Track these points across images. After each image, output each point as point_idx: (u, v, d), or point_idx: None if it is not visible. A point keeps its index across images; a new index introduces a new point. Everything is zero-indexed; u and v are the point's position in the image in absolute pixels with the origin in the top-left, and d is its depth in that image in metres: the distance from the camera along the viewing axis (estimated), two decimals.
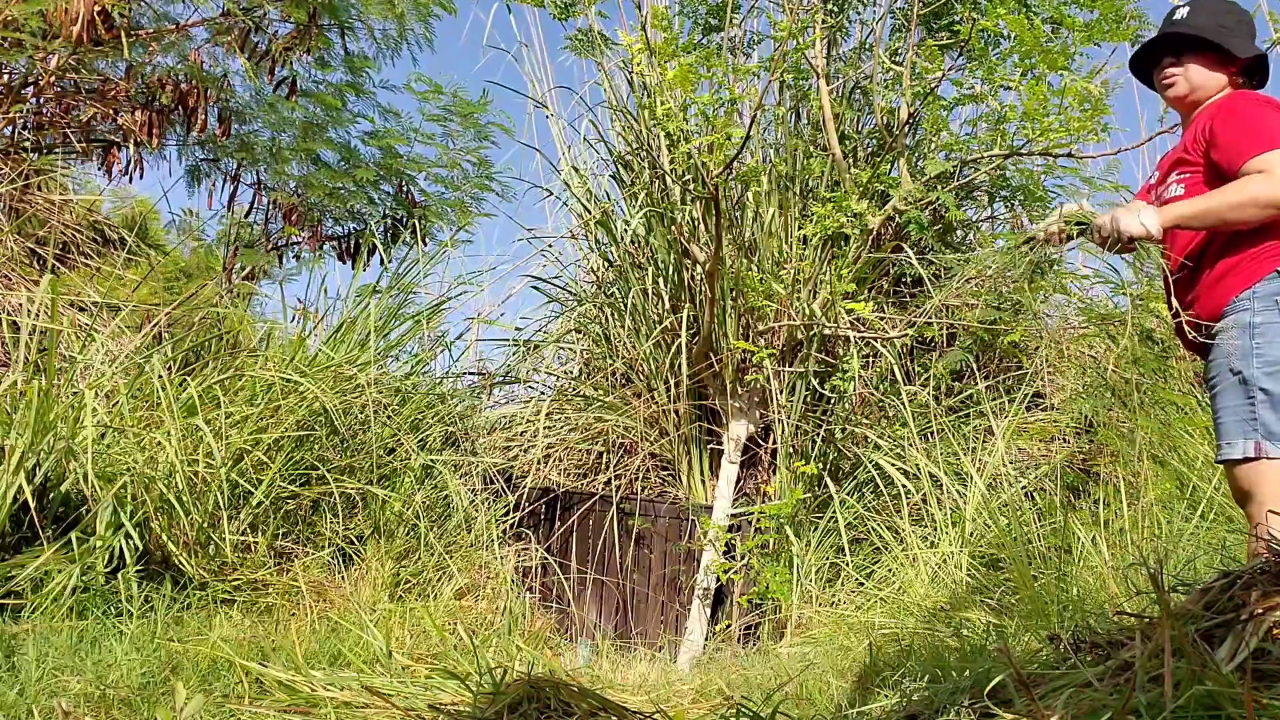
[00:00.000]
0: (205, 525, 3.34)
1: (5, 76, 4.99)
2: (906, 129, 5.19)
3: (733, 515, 5.19)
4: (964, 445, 4.72)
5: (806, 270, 5.21)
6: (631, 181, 6.15)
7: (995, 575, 3.81)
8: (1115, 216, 2.34)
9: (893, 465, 4.73)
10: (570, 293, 6.60)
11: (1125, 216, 2.32)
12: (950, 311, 5.61)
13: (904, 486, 4.60)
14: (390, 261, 5.74)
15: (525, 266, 7.79)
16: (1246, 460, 2.13)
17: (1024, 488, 4.52)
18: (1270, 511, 2.02)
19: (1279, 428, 2.09)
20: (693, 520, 5.27)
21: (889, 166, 5.44)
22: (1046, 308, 6.06)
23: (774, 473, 5.32)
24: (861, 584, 4.36)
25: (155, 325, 4.18)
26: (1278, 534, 1.51)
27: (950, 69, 5.01)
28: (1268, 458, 2.09)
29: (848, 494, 4.89)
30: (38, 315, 3.53)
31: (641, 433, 5.69)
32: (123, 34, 4.91)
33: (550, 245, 6.77)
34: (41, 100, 5.13)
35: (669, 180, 5.71)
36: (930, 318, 5.31)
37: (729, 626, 5.02)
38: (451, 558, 4.18)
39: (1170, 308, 2.44)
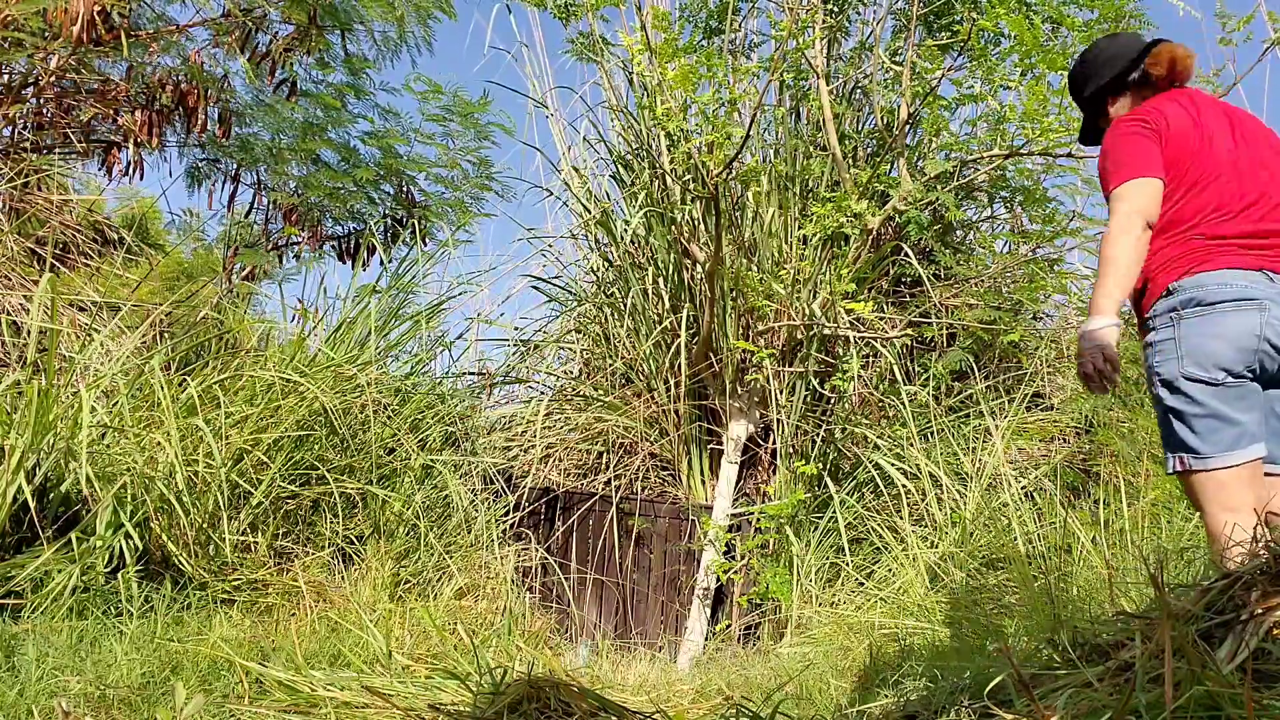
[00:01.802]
0: (205, 525, 3.34)
1: (5, 76, 4.99)
2: (906, 129, 5.19)
3: (733, 515, 5.19)
4: (964, 445, 4.72)
5: (806, 270, 5.21)
6: (631, 181, 6.15)
7: (995, 575, 3.81)
8: (1077, 363, 2.22)
9: (893, 465, 4.73)
10: (570, 293, 6.60)
11: (1078, 362, 2.20)
12: (950, 311, 5.61)
13: (904, 486, 4.60)
14: (390, 261, 5.74)
15: (525, 266, 7.80)
16: (1179, 474, 2.13)
17: (1024, 488, 4.52)
18: (1271, 513, 2.02)
19: (1193, 441, 2.07)
20: (693, 520, 5.27)
21: (889, 166, 5.45)
22: (1046, 308, 6.06)
23: (774, 473, 5.32)
24: (861, 584, 4.36)
25: (153, 325, 4.18)
26: (1238, 540, 1.52)
27: (950, 69, 5.01)
28: (1190, 471, 2.08)
29: (848, 494, 4.89)
30: (38, 315, 3.53)
31: (641, 433, 5.69)
32: (123, 34, 4.91)
33: (550, 245, 6.78)
34: (41, 100, 5.13)
35: (669, 180, 5.71)
36: (930, 318, 5.32)
37: (729, 626, 5.02)
38: (451, 558, 4.18)
39: None
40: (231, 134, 5.90)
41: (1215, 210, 2.13)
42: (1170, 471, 2.16)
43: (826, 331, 5.19)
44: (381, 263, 5.80)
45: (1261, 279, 2.06)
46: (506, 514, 4.95)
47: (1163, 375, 2.12)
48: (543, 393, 6.16)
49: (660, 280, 5.85)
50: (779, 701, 2.59)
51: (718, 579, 5.06)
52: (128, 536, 2.96)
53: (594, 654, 4.67)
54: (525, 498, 5.13)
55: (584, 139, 6.59)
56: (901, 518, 4.42)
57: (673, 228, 5.61)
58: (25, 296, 4.10)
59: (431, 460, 4.48)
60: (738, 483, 5.36)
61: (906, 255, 5.48)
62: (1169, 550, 3.34)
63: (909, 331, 5.27)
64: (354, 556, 3.86)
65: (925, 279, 5.37)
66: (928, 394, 5.16)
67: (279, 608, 3.29)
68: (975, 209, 6.26)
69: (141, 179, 13.69)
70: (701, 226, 5.56)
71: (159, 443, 3.27)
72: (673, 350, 5.54)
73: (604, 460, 5.63)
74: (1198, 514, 2.21)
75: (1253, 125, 2.27)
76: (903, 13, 5.46)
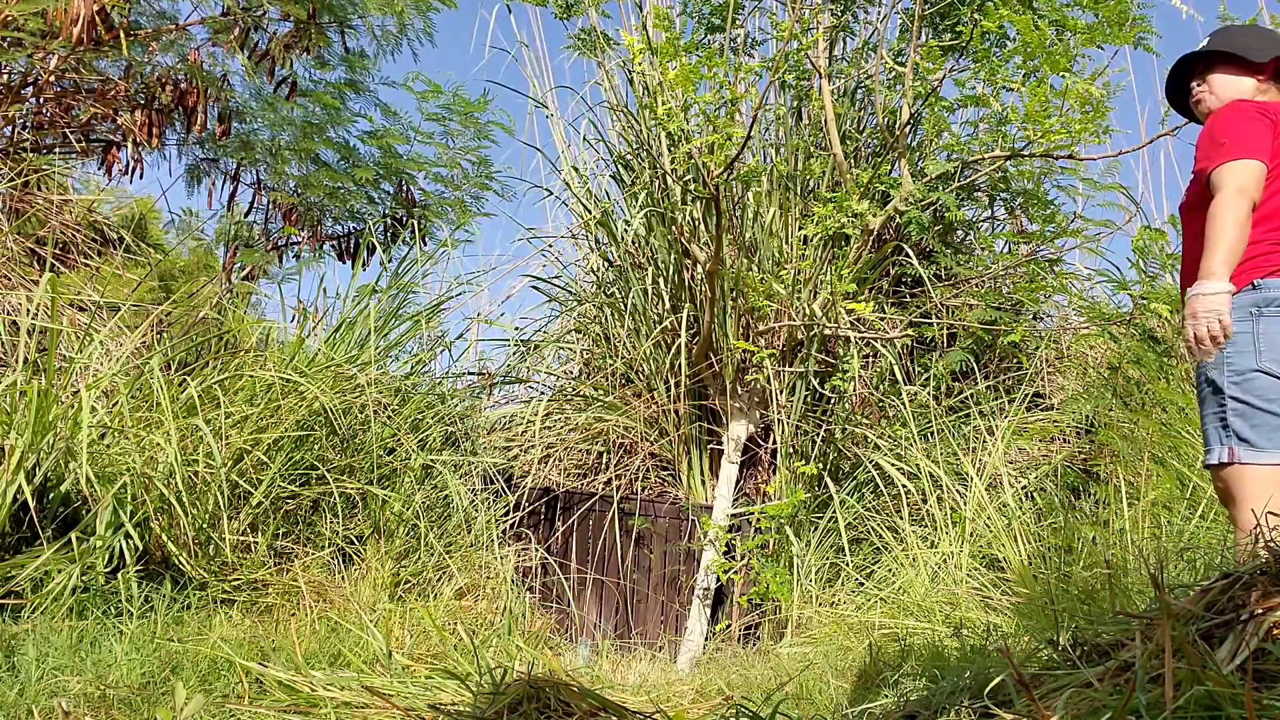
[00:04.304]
0: (205, 525, 3.34)
1: (5, 76, 4.98)
2: (908, 129, 5.19)
3: (733, 515, 5.19)
4: (964, 445, 4.72)
5: (807, 270, 5.21)
6: (632, 181, 6.15)
7: (995, 575, 3.81)
8: (1186, 324, 2.22)
9: (893, 465, 4.73)
10: (570, 293, 6.60)
11: (1189, 322, 2.19)
12: (950, 312, 5.61)
13: (904, 486, 4.60)
14: (390, 261, 5.74)
15: (525, 266, 7.79)
16: (1224, 465, 2.20)
17: (1024, 488, 4.52)
18: (1270, 513, 2.03)
19: (1250, 434, 2.14)
20: (693, 520, 5.27)
21: (890, 167, 5.44)
22: (1047, 308, 6.06)
23: (774, 473, 5.32)
24: (861, 584, 4.36)
25: (151, 324, 4.18)
26: (1264, 535, 1.53)
27: (953, 70, 5.01)
28: (1240, 463, 2.15)
29: (848, 494, 4.89)
30: (37, 315, 3.53)
31: (641, 433, 5.69)
32: (122, 34, 4.91)
33: (550, 245, 6.77)
34: (41, 100, 5.13)
35: (669, 180, 5.71)
36: (931, 318, 5.31)
37: (729, 626, 5.02)
38: (451, 558, 4.18)
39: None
40: (231, 133, 5.90)
41: None
42: (1213, 463, 2.22)
43: (827, 331, 5.18)
44: (381, 263, 5.80)
45: None
46: (506, 514, 4.95)
47: (1235, 366, 2.19)
48: (543, 393, 6.16)
49: (660, 280, 5.85)
50: (779, 701, 2.58)
51: (718, 579, 5.06)
52: (127, 536, 2.96)
53: (594, 654, 4.67)
54: (525, 498, 5.13)
55: (584, 139, 6.59)
56: (901, 518, 4.42)
57: (673, 228, 5.61)
58: (25, 297, 4.09)
59: (431, 460, 4.47)
60: (738, 483, 5.35)
61: (907, 255, 5.47)
62: (1169, 550, 3.34)
63: (909, 332, 5.27)
64: (354, 556, 3.86)
65: (926, 279, 5.36)
66: (928, 394, 5.15)
67: (279, 608, 3.29)
68: (976, 209, 6.26)
69: (142, 179, 13.69)
70: (702, 226, 5.56)
71: (159, 443, 3.27)
72: (673, 350, 5.54)
73: (604, 460, 5.63)
74: (1227, 508, 2.25)
75: None
76: (907, 13, 5.46)
